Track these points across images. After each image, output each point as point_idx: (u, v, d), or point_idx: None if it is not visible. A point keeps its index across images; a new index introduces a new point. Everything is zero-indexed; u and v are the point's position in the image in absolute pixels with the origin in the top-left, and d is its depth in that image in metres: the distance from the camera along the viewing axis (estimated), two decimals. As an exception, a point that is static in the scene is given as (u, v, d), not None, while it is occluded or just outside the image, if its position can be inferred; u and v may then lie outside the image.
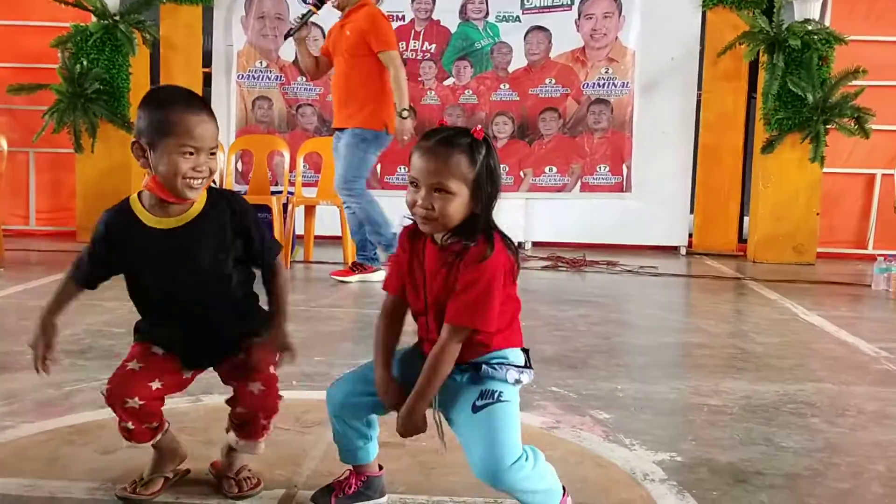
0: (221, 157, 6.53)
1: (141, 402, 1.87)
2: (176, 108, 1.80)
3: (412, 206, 1.72)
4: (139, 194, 1.90)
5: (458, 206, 1.69)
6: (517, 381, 1.77)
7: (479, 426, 1.70)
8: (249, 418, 1.97)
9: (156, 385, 1.90)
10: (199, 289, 1.89)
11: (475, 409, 1.71)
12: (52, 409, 2.64)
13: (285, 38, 4.88)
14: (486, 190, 1.70)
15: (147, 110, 1.83)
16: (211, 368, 2.02)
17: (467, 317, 1.69)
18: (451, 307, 1.69)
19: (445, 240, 1.73)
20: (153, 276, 1.89)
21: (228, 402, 2.00)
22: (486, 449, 1.67)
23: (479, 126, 1.77)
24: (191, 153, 1.79)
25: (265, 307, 2.00)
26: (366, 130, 5.07)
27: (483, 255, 1.69)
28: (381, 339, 1.84)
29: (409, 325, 1.88)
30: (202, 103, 1.86)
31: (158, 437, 1.96)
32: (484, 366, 1.75)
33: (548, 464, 1.79)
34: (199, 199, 1.89)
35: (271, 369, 1.97)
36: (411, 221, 1.79)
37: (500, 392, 1.74)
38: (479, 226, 1.72)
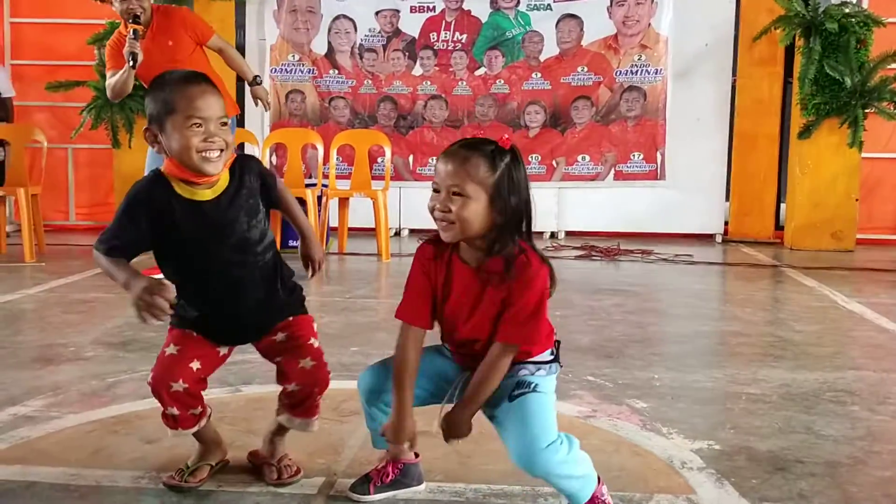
0: (256, 151, 6.60)
1: (185, 385, 1.91)
2: (176, 85, 1.84)
3: (432, 211, 1.74)
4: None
5: (475, 210, 1.69)
6: (538, 368, 1.82)
7: (514, 412, 1.73)
8: (304, 395, 2.00)
9: (195, 366, 1.93)
10: (233, 258, 1.91)
11: (511, 398, 1.74)
12: (95, 399, 2.69)
13: (133, 66, 4.40)
14: (507, 198, 1.70)
15: (151, 96, 1.88)
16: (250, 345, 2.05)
17: (521, 337, 1.74)
18: (506, 328, 1.73)
19: (480, 261, 1.75)
20: (190, 248, 1.91)
21: (279, 381, 2.03)
22: (522, 432, 1.70)
23: (507, 136, 1.77)
24: (198, 125, 1.82)
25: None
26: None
27: (534, 272, 1.72)
28: (405, 377, 1.80)
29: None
30: (199, 77, 1.89)
31: (203, 422, 2.00)
32: (521, 369, 1.80)
33: (583, 452, 1.79)
34: (223, 175, 1.92)
35: (314, 343, 2.00)
36: (425, 240, 1.83)
37: (536, 384, 1.78)
38: (506, 239, 1.72)
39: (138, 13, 4.45)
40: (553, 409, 1.78)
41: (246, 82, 5.10)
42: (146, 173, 4.66)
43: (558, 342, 1.87)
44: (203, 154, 1.82)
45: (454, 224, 1.70)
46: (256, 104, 5.19)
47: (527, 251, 1.74)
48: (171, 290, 1.74)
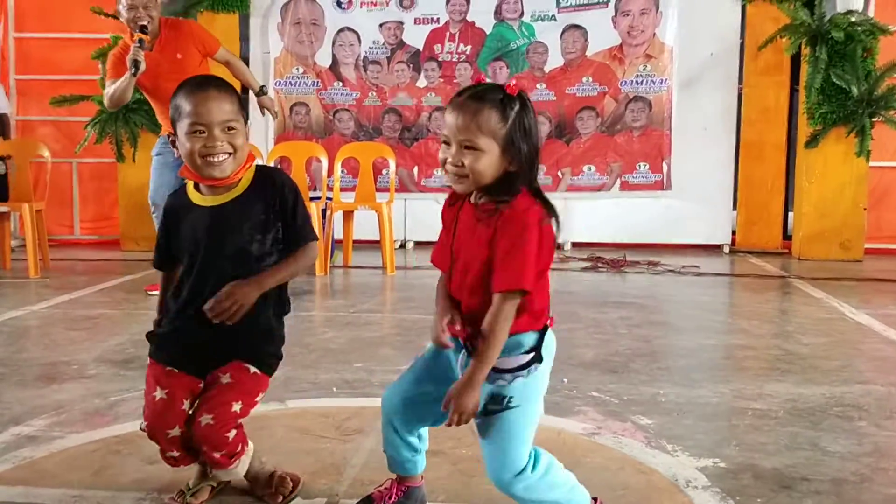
0: (260, 162, 6.60)
1: (182, 429, 1.90)
2: (184, 91, 1.88)
3: (443, 164, 1.71)
4: None
5: (488, 163, 1.66)
6: (514, 377, 1.69)
7: (487, 433, 1.71)
8: (200, 450, 1.91)
9: (185, 406, 1.91)
10: (228, 269, 1.89)
11: (486, 412, 1.70)
12: (98, 419, 2.68)
13: (135, 73, 4.40)
14: (519, 147, 1.67)
15: (171, 103, 1.92)
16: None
17: (508, 280, 1.63)
18: (496, 275, 1.65)
19: (479, 199, 1.72)
20: (190, 252, 1.93)
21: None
22: (491, 457, 1.71)
23: (514, 82, 1.75)
24: (200, 131, 1.85)
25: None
26: None
27: (520, 210, 1.65)
28: (442, 292, 1.78)
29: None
30: (210, 82, 1.90)
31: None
32: (498, 378, 1.69)
33: (566, 473, 1.77)
34: (245, 178, 1.93)
35: (235, 406, 1.88)
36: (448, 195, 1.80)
37: (510, 398, 1.69)
38: (517, 185, 1.69)
39: (146, 23, 4.49)
40: (528, 425, 1.71)
41: (252, 92, 5.19)
42: (151, 187, 4.78)
43: (546, 328, 1.73)
44: (206, 159, 1.86)
45: (467, 177, 1.68)
46: (263, 114, 5.28)
47: (521, 194, 1.68)
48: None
